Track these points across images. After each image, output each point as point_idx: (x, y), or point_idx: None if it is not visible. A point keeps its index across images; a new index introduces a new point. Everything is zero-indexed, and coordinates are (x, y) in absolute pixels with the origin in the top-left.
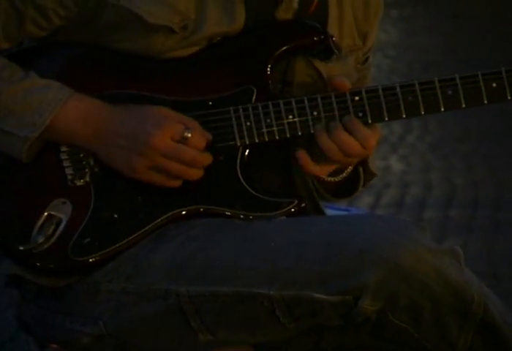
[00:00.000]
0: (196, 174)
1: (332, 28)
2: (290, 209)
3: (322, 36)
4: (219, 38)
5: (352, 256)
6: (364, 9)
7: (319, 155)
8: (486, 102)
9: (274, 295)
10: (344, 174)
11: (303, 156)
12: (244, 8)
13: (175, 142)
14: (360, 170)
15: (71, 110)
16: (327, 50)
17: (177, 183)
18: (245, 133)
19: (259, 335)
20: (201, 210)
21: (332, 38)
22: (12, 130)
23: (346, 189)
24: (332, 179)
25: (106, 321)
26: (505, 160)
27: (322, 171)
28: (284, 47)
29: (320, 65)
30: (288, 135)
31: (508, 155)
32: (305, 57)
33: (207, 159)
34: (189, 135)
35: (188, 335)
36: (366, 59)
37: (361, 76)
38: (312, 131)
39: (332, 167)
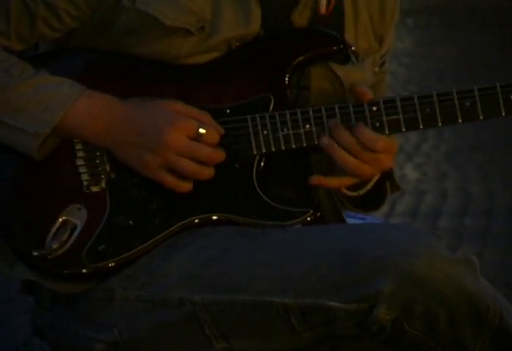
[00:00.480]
0: (208, 173)
1: (348, 31)
2: (305, 218)
3: (341, 46)
4: (237, 43)
5: (367, 264)
6: (380, 11)
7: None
8: (503, 113)
9: (289, 303)
10: (369, 186)
11: (317, 180)
12: (260, 10)
13: (189, 139)
14: (387, 184)
15: (81, 107)
16: (345, 58)
17: (187, 186)
18: (262, 142)
19: (274, 343)
20: (216, 218)
21: (351, 47)
22: (23, 127)
23: (370, 201)
24: (355, 194)
25: (120, 328)
26: None
27: (342, 182)
28: (303, 57)
29: (337, 68)
30: (305, 144)
31: None
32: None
33: (220, 155)
34: (204, 132)
35: (202, 342)
36: (383, 63)
37: (378, 80)
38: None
39: (351, 178)
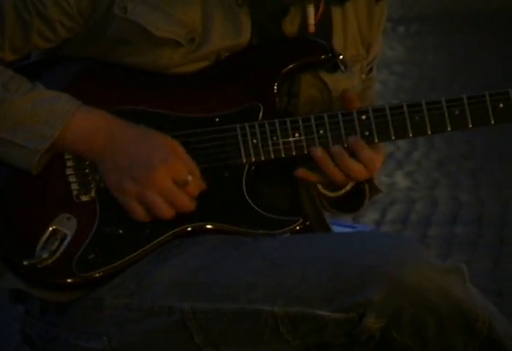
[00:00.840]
0: (171, 215)
1: (336, 39)
2: (295, 227)
3: (330, 54)
4: (227, 53)
5: (356, 273)
6: (368, 18)
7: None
8: (492, 122)
9: (278, 312)
10: (348, 187)
11: (303, 173)
12: (250, 20)
13: (174, 183)
14: (366, 186)
15: (80, 122)
16: (333, 66)
17: (148, 219)
18: (251, 150)
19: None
20: (206, 227)
21: (339, 56)
22: (22, 142)
23: (350, 203)
24: (334, 194)
25: (110, 337)
26: (510, 177)
27: (320, 179)
28: (291, 65)
29: (325, 76)
30: (294, 153)
31: None
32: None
33: (192, 208)
34: (189, 180)
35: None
36: (370, 70)
37: (366, 86)
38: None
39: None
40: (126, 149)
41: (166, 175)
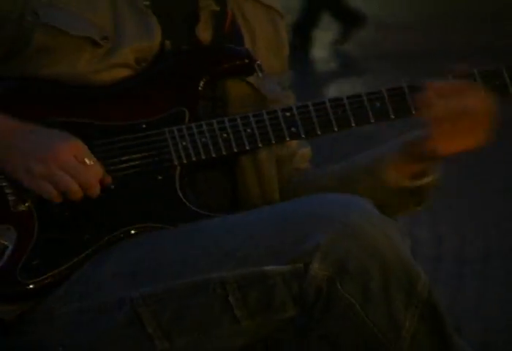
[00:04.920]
0: (80, 197)
1: (248, 46)
2: None
3: (247, 60)
4: (145, 58)
5: (301, 221)
6: (275, 35)
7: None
8: (413, 112)
9: (226, 277)
10: (427, 179)
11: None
12: (158, 22)
13: (77, 160)
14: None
15: None
16: (250, 71)
17: (59, 200)
18: (181, 152)
19: (215, 338)
20: (145, 228)
21: (256, 61)
22: None
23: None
24: (417, 183)
25: (65, 346)
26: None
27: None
28: (213, 71)
29: (250, 79)
30: (224, 153)
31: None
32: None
33: (97, 192)
34: (91, 163)
35: (146, 345)
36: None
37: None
38: (248, 148)
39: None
40: (27, 135)
41: (68, 152)
